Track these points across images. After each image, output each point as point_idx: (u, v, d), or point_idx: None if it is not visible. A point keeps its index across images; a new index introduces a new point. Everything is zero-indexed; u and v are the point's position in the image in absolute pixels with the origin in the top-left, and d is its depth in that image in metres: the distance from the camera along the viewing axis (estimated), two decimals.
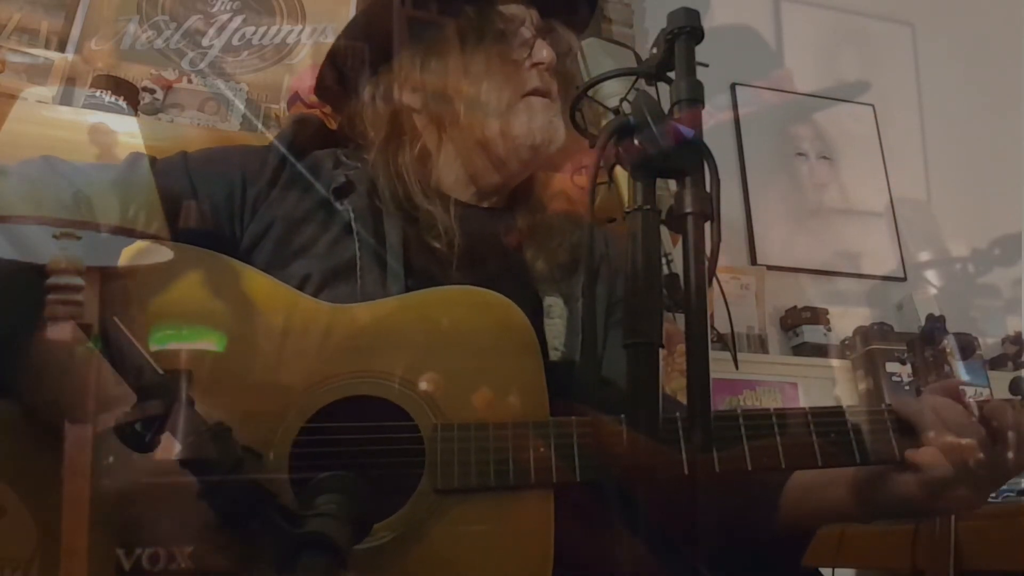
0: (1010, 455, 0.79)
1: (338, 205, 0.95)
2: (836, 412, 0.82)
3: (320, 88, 1.12)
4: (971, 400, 0.83)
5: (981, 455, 0.78)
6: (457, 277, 0.92)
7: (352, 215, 0.94)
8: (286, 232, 0.93)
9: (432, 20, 1.02)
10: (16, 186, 0.84)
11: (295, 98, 2.01)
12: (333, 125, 1.12)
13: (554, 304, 0.96)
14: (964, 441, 0.78)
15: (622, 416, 0.76)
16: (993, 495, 1.28)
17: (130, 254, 0.78)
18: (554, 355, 0.92)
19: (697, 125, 0.59)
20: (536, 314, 0.94)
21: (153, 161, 0.95)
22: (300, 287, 0.86)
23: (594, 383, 0.82)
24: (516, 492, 0.75)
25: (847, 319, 2.82)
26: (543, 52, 1.00)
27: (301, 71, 2.17)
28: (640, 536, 0.67)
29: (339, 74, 1.09)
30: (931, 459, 0.79)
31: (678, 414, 0.75)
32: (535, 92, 1.00)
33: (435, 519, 0.74)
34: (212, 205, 0.92)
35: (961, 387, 0.85)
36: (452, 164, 1.03)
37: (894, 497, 0.82)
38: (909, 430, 0.82)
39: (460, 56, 1.01)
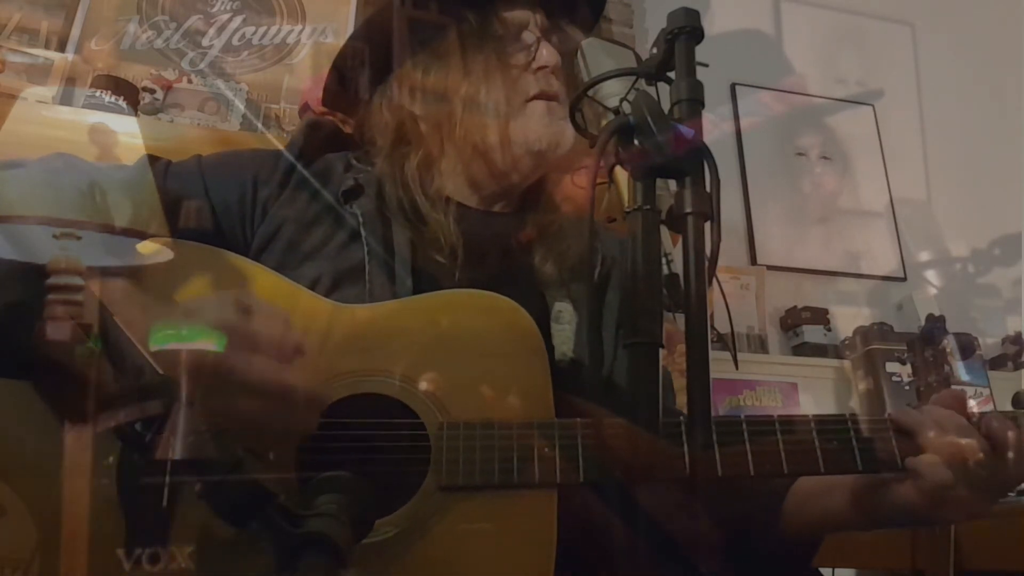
0: (1010, 466, 0.79)
1: (345, 209, 0.95)
2: (839, 420, 0.82)
3: (327, 97, 1.11)
4: (974, 411, 0.82)
5: (980, 460, 0.78)
6: (462, 284, 0.91)
7: (361, 219, 0.94)
8: (296, 234, 0.93)
9: (434, 26, 1.01)
10: (36, 175, 0.85)
11: (305, 108, 2.00)
12: (347, 129, 1.11)
13: (564, 310, 0.95)
14: (964, 442, 0.78)
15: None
16: None
17: (134, 252, 0.78)
18: (562, 361, 0.91)
19: (697, 125, 0.59)
20: (544, 319, 0.93)
21: (168, 164, 0.96)
22: (310, 289, 0.85)
23: (598, 385, 0.82)
24: (520, 491, 0.76)
25: (847, 319, 2.82)
26: (545, 55, 0.99)
27: (310, 82, 2.16)
28: (643, 538, 0.67)
29: (345, 82, 1.08)
30: (930, 465, 0.78)
31: (681, 418, 0.75)
32: (540, 96, 0.98)
33: (439, 516, 0.74)
34: (224, 208, 0.93)
35: (966, 396, 0.84)
36: (454, 171, 1.02)
37: (895, 506, 0.81)
38: (911, 438, 0.81)
39: (461, 62, 1.00)
